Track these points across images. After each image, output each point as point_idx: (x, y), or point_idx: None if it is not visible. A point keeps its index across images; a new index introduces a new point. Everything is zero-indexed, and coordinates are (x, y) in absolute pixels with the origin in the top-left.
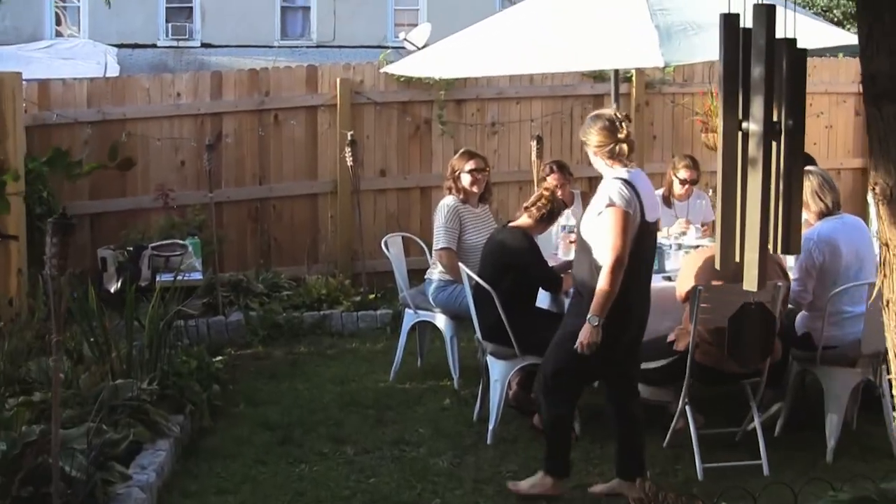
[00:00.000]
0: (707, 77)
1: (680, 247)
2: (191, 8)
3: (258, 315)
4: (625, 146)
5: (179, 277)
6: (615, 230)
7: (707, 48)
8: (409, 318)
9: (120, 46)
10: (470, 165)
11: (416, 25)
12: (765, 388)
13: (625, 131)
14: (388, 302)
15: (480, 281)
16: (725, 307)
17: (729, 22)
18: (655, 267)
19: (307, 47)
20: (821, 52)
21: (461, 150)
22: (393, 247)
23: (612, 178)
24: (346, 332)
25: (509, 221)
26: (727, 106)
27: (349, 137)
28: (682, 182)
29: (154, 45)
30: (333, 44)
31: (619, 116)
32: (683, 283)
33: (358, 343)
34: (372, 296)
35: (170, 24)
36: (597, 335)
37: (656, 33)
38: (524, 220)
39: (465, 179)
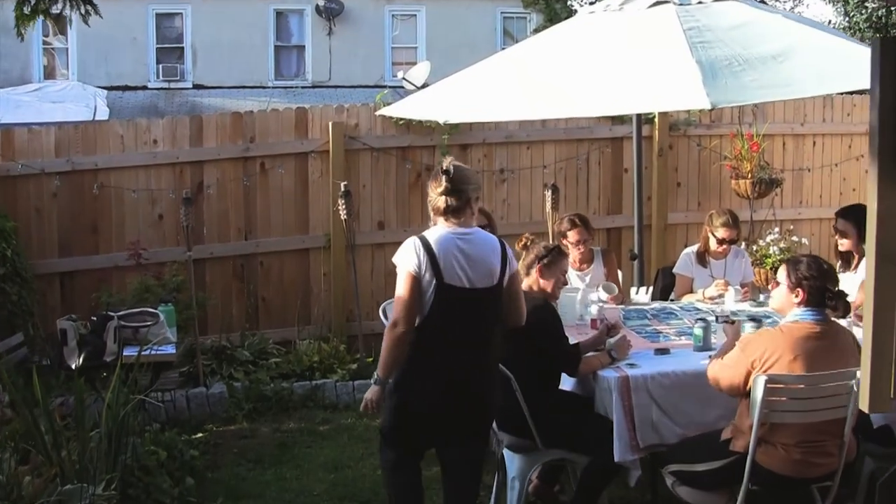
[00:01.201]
0: (737, 117)
1: (728, 319)
2: (182, 48)
3: (243, 386)
4: (439, 201)
5: (149, 352)
6: (396, 289)
7: (759, 88)
8: None
9: (110, 89)
10: None
11: (414, 64)
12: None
13: (441, 185)
14: None
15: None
16: (796, 400)
17: (888, 50)
18: (700, 344)
19: (302, 87)
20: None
21: None
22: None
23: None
24: (340, 404)
25: None
26: (884, 171)
27: (342, 188)
28: (720, 242)
29: (145, 87)
30: (329, 84)
31: (443, 168)
32: (739, 369)
33: (354, 418)
34: (370, 359)
35: (160, 66)
36: (376, 394)
37: (698, 69)
38: (528, 280)
39: None
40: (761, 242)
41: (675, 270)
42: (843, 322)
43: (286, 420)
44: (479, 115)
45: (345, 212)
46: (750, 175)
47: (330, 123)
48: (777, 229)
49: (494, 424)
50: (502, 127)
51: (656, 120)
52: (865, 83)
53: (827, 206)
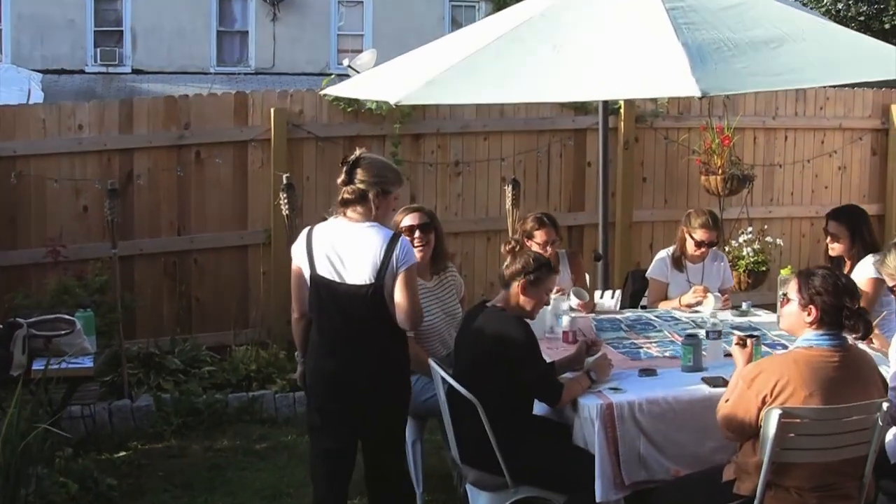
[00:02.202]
0: (707, 109)
1: (720, 335)
2: (121, 32)
3: (172, 398)
4: (341, 192)
5: (63, 365)
6: None
7: (751, 76)
8: None
9: (45, 72)
10: (407, 222)
11: (360, 52)
12: None
13: (341, 175)
14: None
15: (458, 386)
16: (814, 437)
17: None
18: (690, 364)
19: (245, 74)
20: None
21: (403, 208)
22: None
23: None
24: (280, 418)
25: (485, 301)
26: None
27: (285, 180)
28: (699, 244)
29: (82, 71)
30: (273, 71)
31: (347, 158)
32: (748, 408)
33: (295, 434)
34: None
35: (98, 49)
36: (299, 373)
37: (685, 53)
38: (505, 293)
39: None
40: (734, 243)
41: (649, 274)
42: (862, 345)
43: (219, 437)
44: (439, 95)
45: (287, 206)
46: (721, 171)
47: (272, 110)
48: (750, 229)
49: (456, 456)
50: (458, 116)
51: (622, 110)
52: (863, 75)
53: (798, 204)
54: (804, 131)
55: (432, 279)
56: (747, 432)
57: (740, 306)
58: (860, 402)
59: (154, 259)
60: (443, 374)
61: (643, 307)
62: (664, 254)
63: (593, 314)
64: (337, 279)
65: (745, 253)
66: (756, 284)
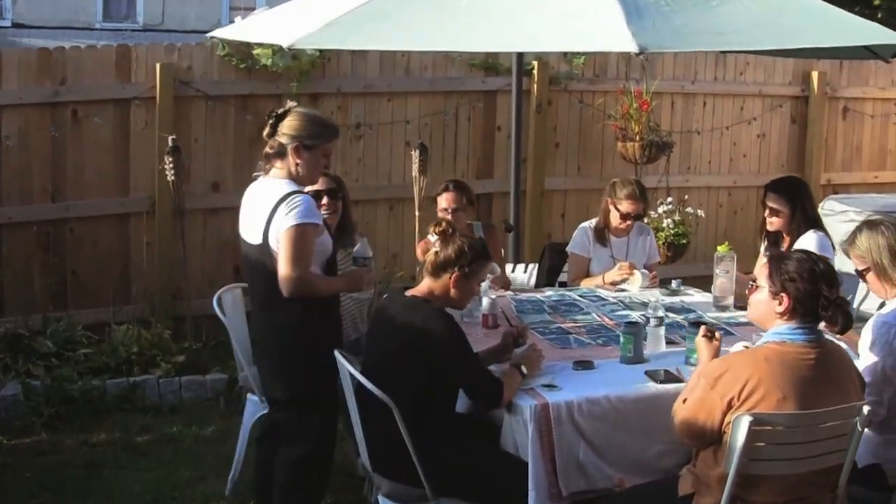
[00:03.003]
0: (623, 72)
1: (661, 321)
2: None
3: (44, 385)
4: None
5: None
6: None
7: (691, 34)
8: (254, 408)
9: None
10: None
11: (253, 10)
12: None
13: (265, 129)
14: (221, 362)
15: (370, 385)
16: (785, 447)
17: None
18: (630, 355)
19: (133, 31)
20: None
21: None
22: (230, 305)
23: None
24: (164, 406)
25: (406, 288)
26: None
27: (171, 142)
28: (624, 217)
29: None
30: (162, 27)
31: (277, 112)
32: (711, 412)
33: (181, 425)
34: (199, 345)
35: None
36: None
37: (619, 5)
38: (431, 282)
39: None
40: (653, 214)
41: (569, 249)
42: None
43: (97, 429)
44: (340, 39)
45: (173, 171)
46: (639, 137)
47: (158, 65)
48: (670, 199)
49: (367, 462)
50: (360, 75)
51: (535, 71)
52: (813, 41)
53: (716, 173)
54: (723, 97)
55: (338, 253)
56: (708, 439)
57: (670, 284)
58: (839, 406)
59: (24, 228)
60: (350, 369)
61: (562, 284)
62: (586, 226)
63: (511, 293)
64: (244, 237)
65: (665, 224)
66: (675, 258)
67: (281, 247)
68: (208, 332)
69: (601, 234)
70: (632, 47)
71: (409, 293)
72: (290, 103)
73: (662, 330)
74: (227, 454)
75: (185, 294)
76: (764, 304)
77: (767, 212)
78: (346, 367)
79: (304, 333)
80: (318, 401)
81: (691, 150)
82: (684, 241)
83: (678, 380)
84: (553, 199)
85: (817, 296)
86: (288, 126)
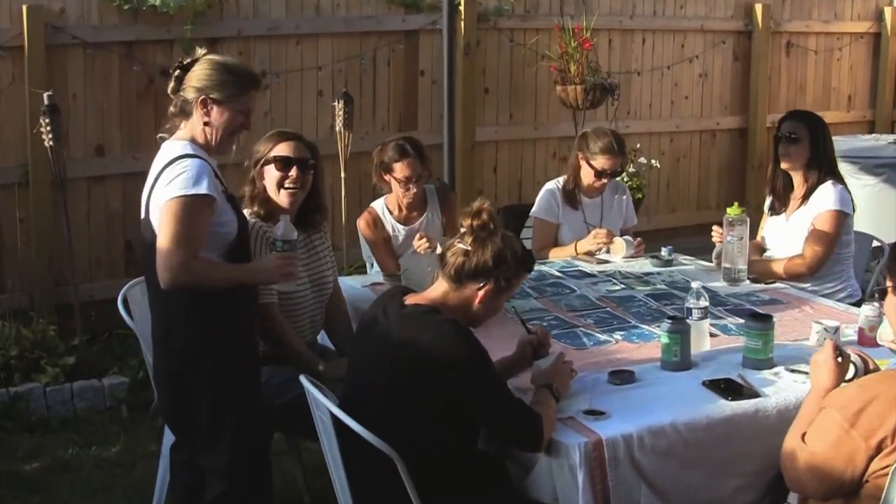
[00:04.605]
0: (557, 8)
1: (705, 313)
2: None
3: None
4: None
5: None
6: None
7: None
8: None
9: None
10: (280, 152)
11: None
12: None
13: (170, 83)
14: (119, 360)
15: (368, 435)
16: None
17: None
18: (676, 359)
19: None
20: None
21: (274, 131)
22: (137, 303)
23: None
24: (54, 420)
25: (403, 292)
26: None
27: (46, 100)
28: (599, 174)
29: None
30: None
31: (184, 62)
32: (852, 455)
33: (78, 445)
34: (89, 337)
35: None
36: None
37: None
38: (448, 289)
39: (272, 179)
40: None
41: (534, 213)
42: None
43: None
44: None
45: (49, 134)
46: (579, 80)
47: (24, 7)
48: None
49: None
50: (264, 16)
51: (462, 7)
52: None
53: (657, 117)
54: (663, 33)
55: (313, 235)
56: (846, 489)
57: (659, 252)
58: None
59: None
60: (333, 408)
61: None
62: (553, 186)
63: None
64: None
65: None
66: None
67: (160, 224)
68: (98, 323)
69: (571, 196)
70: None
71: (408, 301)
72: (199, 51)
73: (706, 324)
74: (140, 483)
75: (71, 279)
76: None
77: (782, 145)
78: (326, 404)
79: (191, 337)
80: (224, 427)
81: (630, 93)
82: (640, 196)
83: (754, 394)
84: (484, 151)
85: None
86: (195, 77)
